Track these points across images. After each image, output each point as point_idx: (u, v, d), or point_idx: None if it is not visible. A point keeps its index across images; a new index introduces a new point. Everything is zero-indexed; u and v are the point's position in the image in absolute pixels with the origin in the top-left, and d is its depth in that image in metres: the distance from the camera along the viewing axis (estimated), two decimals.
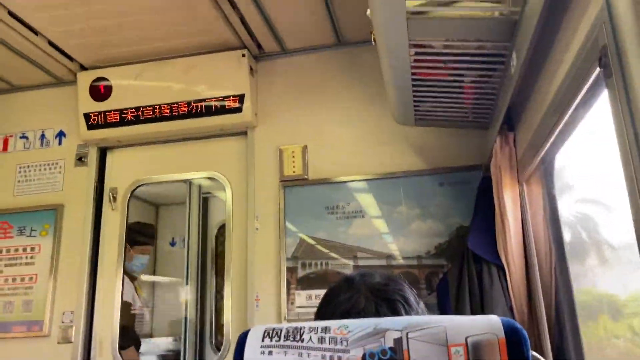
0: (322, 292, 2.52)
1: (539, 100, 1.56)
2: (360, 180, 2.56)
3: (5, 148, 3.04)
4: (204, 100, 2.72)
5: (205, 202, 4.27)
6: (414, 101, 2.04)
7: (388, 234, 2.50)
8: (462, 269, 2.07)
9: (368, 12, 1.70)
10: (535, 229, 1.80)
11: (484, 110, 2.05)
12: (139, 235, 3.17)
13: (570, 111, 1.30)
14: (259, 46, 2.80)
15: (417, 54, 1.70)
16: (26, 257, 2.81)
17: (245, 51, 2.72)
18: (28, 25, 2.52)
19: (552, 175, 1.79)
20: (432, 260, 2.40)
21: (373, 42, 1.74)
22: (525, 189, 1.87)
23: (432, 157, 2.50)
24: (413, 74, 1.81)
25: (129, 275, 3.10)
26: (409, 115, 2.19)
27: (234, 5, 2.42)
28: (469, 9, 1.47)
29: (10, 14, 2.41)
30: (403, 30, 1.53)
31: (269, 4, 2.41)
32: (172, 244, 4.45)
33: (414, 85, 1.90)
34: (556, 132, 1.45)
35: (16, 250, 2.83)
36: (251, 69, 2.77)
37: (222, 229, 4.18)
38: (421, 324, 0.68)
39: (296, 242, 2.56)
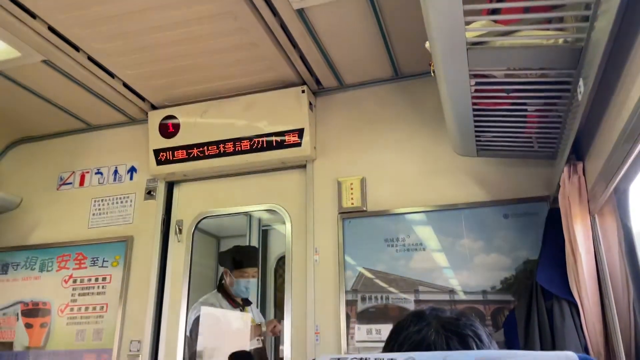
0: (382, 327, 2.48)
1: (609, 129, 1.50)
2: (420, 212, 2.53)
3: (82, 183, 3.25)
4: (265, 135, 2.81)
5: (264, 234, 4.34)
6: (476, 132, 2.01)
7: (450, 268, 2.43)
8: (531, 305, 1.98)
9: (427, 44, 1.71)
10: (610, 264, 1.70)
11: (550, 140, 1.99)
12: (239, 259, 3.22)
13: None
14: (318, 82, 2.87)
15: (477, 84, 1.69)
16: (98, 287, 2.95)
17: (304, 87, 2.80)
18: (105, 69, 2.72)
19: (627, 206, 1.69)
20: (498, 296, 2.31)
21: (432, 74, 1.75)
22: (598, 221, 1.78)
23: (496, 188, 2.43)
24: (474, 104, 1.79)
25: (234, 301, 3.14)
26: (471, 146, 2.15)
27: (294, 44, 2.52)
28: (531, 38, 1.45)
29: (90, 58, 2.62)
30: (463, 61, 1.53)
31: (328, 42, 2.48)
32: None
33: (475, 116, 1.88)
34: (630, 162, 1.38)
35: (89, 280, 2.98)
36: (310, 104, 2.84)
37: (280, 261, 4.22)
38: (493, 359, 0.65)
39: (355, 275, 2.54)
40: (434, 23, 1.37)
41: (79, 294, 2.98)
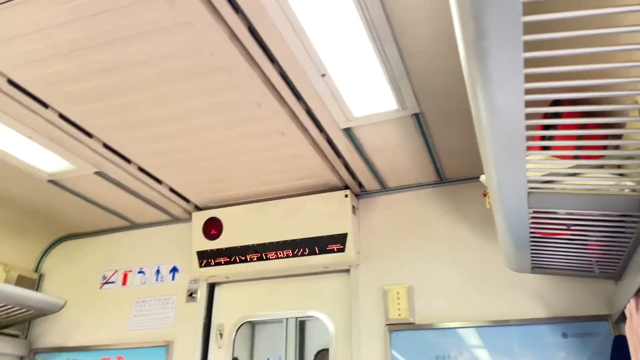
0: None
1: None
2: (471, 327, 2.41)
3: (124, 282, 3.26)
4: (308, 239, 2.79)
5: (302, 324, 4.24)
6: (532, 254, 1.95)
7: None
8: None
9: (482, 178, 1.70)
10: None
11: (612, 265, 1.90)
12: None
13: None
14: (360, 185, 2.88)
15: (536, 217, 1.65)
16: None
17: (348, 192, 2.80)
18: (154, 177, 2.79)
19: None
20: None
21: (487, 205, 1.72)
22: None
23: (552, 304, 2.32)
24: (532, 234, 1.75)
25: None
26: (525, 265, 2.08)
27: (339, 155, 2.55)
28: (594, 186, 1.41)
29: (140, 169, 2.70)
30: (523, 203, 1.50)
31: (373, 154, 2.51)
32: None
33: (532, 242, 1.83)
34: None
35: None
36: (353, 207, 2.83)
37: (319, 354, 4.09)
38: None
39: None
40: (498, 187, 1.36)
41: None
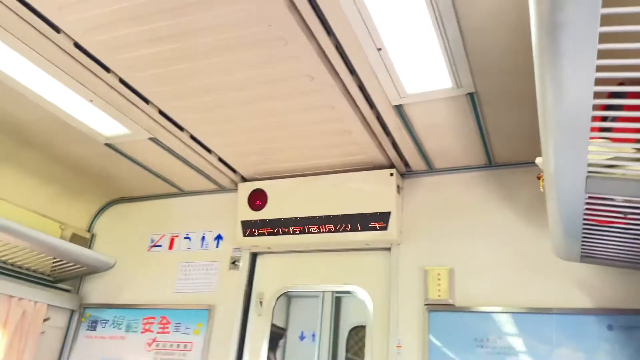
0: None
1: None
2: (513, 313, 2.39)
3: (171, 247, 3.39)
4: (351, 215, 2.81)
5: (338, 300, 4.30)
6: (582, 242, 1.90)
7: None
8: None
9: (538, 160, 1.67)
10: None
11: None
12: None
13: None
14: (406, 164, 2.87)
15: (592, 203, 1.61)
16: (179, 354, 3.01)
17: (393, 170, 2.79)
18: (204, 146, 2.86)
19: None
20: None
21: (541, 189, 1.69)
22: None
23: (598, 295, 2.27)
24: (585, 221, 1.71)
25: None
26: (574, 254, 2.04)
27: (387, 132, 2.54)
28: None
29: (192, 137, 2.77)
30: (580, 185, 1.47)
31: (423, 133, 2.49)
32: (301, 338, 4.46)
33: (584, 229, 1.79)
34: None
35: (171, 345, 3.06)
36: (398, 186, 2.82)
37: (353, 331, 4.14)
38: None
39: None
40: (556, 169, 1.33)
41: (161, 359, 3.05)
